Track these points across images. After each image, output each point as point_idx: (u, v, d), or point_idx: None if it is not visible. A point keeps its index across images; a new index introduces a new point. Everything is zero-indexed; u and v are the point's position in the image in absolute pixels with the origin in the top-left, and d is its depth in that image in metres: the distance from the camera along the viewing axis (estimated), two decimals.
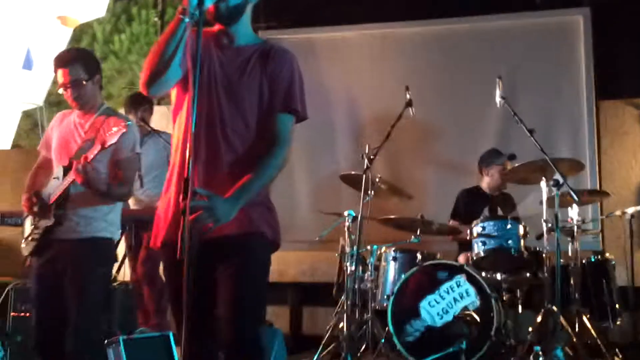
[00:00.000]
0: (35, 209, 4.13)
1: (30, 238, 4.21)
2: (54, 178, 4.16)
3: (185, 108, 2.92)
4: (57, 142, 4.26)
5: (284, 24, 8.11)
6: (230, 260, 2.85)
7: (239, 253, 2.85)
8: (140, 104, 6.28)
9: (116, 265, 6.21)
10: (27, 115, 9.41)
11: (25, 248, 4.27)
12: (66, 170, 4.06)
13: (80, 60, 4.19)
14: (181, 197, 2.58)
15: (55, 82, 4.35)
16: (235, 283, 2.83)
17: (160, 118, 7.31)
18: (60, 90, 4.17)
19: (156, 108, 7.75)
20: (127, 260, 6.27)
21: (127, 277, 6.11)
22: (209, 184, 2.79)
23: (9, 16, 8.07)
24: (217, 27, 3.02)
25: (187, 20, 2.72)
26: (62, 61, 4.16)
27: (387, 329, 5.33)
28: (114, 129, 3.86)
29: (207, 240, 2.71)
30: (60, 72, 4.15)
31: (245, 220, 2.85)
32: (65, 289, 4.04)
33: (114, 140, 3.84)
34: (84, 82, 4.14)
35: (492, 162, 6.43)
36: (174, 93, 3.02)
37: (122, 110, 6.33)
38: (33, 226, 4.21)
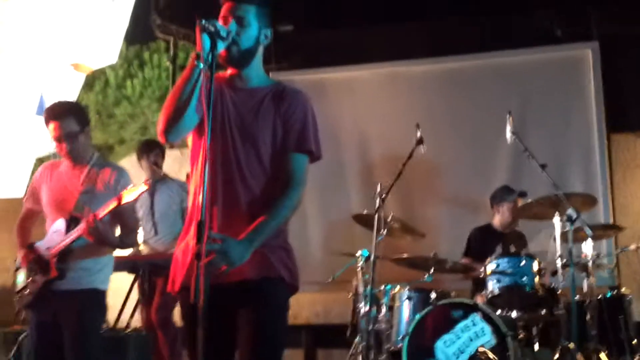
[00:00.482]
0: (34, 263, 4.13)
1: (27, 291, 4.19)
2: (54, 232, 4.15)
3: (202, 152, 2.94)
4: (50, 195, 4.26)
5: (295, 65, 8.18)
6: (249, 305, 2.85)
7: (258, 298, 2.85)
8: (152, 149, 6.32)
9: (129, 312, 6.20)
10: (41, 161, 9.46)
11: (21, 300, 4.25)
12: (69, 223, 4.08)
13: (72, 112, 4.22)
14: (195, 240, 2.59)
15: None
16: (254, 329, 2.83)
17: (172, 162, 7.36)
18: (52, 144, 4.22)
19: (168, 152, 7.80)
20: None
21: (139, 323, 6.08)
22: (228, 226, 2.81)
23: (23, 62, 8.17)
24: (229, 70, 3.05)
25: (201, 66, 2.75)
26: (54, 114, 4.18)
27: None
28: (131, 186, 3.91)
29: (227, 284, 2.72)
30: (52, 125, 4.16)
31: (264, 264, 2.86)
32: (64, 339, 4.06)
33: (131, 198, 3.86)
34: (77, 135, 4.18)
35: (503, 199, 6.41)
36: (190, 139, 3.04)
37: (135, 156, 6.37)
38: (30, 279, 4.18)
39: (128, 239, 4.28)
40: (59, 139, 4.16)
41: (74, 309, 4.07)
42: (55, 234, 4.14)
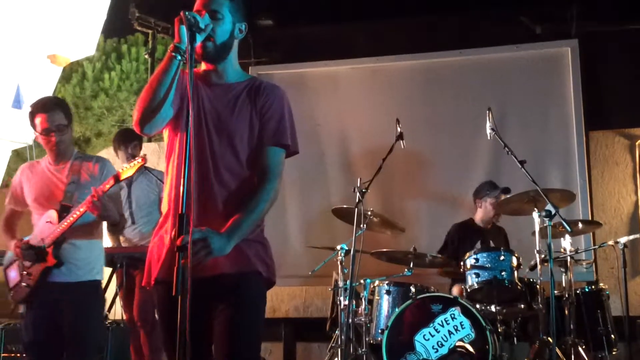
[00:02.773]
0: (30, 252, 4.17)
1: (23, 284, 4.22)
2: (45, 222, 4.20)
3: (178, 146, 2.91)
4: (36, 191, 4.33)
5: (275, 59, 8.16)
6: (226, 299, 2.83)
7: (235, 293, 2.83)
8: (130, 140, 6.26)
9: (107, 304, 6.15)
10: (17, 154, 9.37)
11: (16, 295, 4.28)
12: (60, 213, 4.15)
13: (60, 106, 4.33)
14: (174, 233, 2.57)
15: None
16: (231, 323, 2.81)
17: (151, 155, 7.31)
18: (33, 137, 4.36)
19: (146, 145, 7.74)
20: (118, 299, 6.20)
21: (118, 316, 6.04)
22: (203, 222, 2.76)
23: None
24: (204, 66, 3.03)
25: (179, 58, 2.73)
26: (43, 107, 4.27)
27: None
28: (126, 165, 4.01)
29: (203, 278, 2.67)
30: (40, 117, 4.24)
31: (240, 258, 2.84)
32: (65, 331, 4.11)
33: (129, 174, 4.00)
34: (65, 128, 4.29)
35: (486, 195, 6.44)
36: (165, 133, 3.02)
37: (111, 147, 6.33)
38: (24, 272, 4.21)
39: (121, 220, 4.39)
40: (47, 131, 4.23)
41: (76, 300, 4.15)
42: (47, 224, 4.19)
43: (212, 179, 2.88)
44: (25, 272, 4.21)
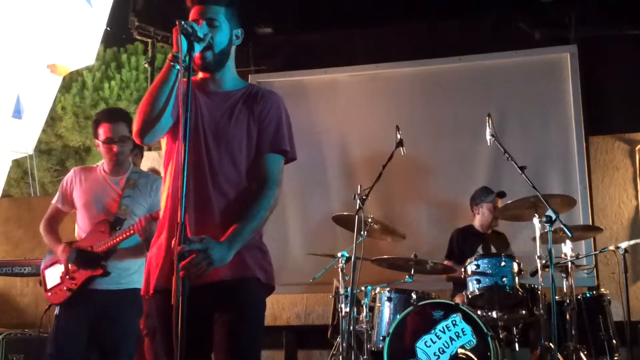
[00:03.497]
0: (79, 258, 4.24)
1: (65, 287, 4.29)
2: (97, 231, 4.29)
3: (175, 155, 2.91)
4: (88, 196, 4.40)
5: (274, 67, 8.17)
6: (225, 306, 2.83)
7: (234, 299, 2.83)
8: (131, 149, 6.27)
9: None
10: (18, 164, 9.40)
11: (54, 297, 4.36)
12: (113, 224, 4.28)
13: (125, 118, 4.43)
14: (174, 242, 2.57)
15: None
16: (231, 329, 2.81)
17: (151, 164, 7.32)
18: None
19: (147, 154, 7.74)
20: None
21: None
22: (201, 231, 2.77)
23: None
24: (201, 74, 3.03)
25: (177, 67, 2.73)
26: (109, 117, 4.40)
27: None
28: None
29: (202, 285, 2.68)
30: (105, 127, 4.34)
31: (239, 265, 2.83)
32: (107, 337, 4.25)
33: None
34: (127, 140, 4.39)
35: (482, 200, 6.44)
36: (164, 142, 3.02)
37: None
38: (67, 276, 4.29)
39: None
40: (109, 141, 4.33)
41: (120, 307, 4.25)
42: (99, 233, 4.28)
43: (209, 186, 2.87)
44: (68, 276, 4.28)
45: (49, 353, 4.23)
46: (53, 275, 4.39)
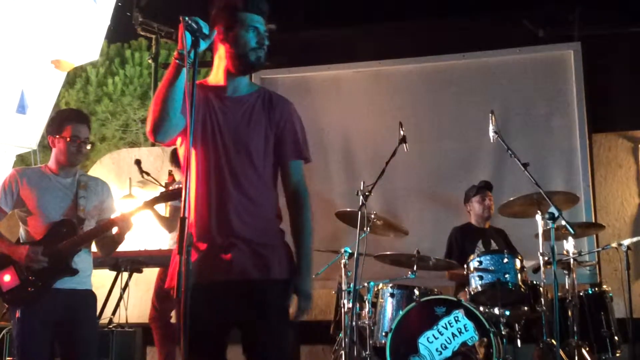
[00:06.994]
0: (43, 260, 4.17)
1: (29, 288, 4.19)
2: (63, 230, 4.25)
3: (193, 158, 2.93)
4: (39, 198, 4.32)
5: (279, 64, 8.17)
6: (256, 310, 2.88)
7: (265, 305, 2.90)
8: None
9: (112, 307, 6.18)
10: (22, 159, 9.39)
11: (14, 298, 4.23)
12: (75, 224, 4.27)
13: (89, 123, 4.58)
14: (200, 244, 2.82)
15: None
16: (266, 337, 2.89)
17: (154, 160, 7.33)
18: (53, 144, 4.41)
19: (150, 149, 7.76)
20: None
21: (122, 319, 6.06)
22: (222, 231, 2.88)
23: (3, 59, 8.09)
24: (215, 79, 3.08)
25: (183, 65, 2.72)
26: (86, 119, 4.52)
27: None
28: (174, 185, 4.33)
29: (227, 282, 2.79)
30: (84, 127, 4.43)
31: (266, 265, 2.91)
32: (75, 335, 4.24)
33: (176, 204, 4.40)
34: (89, 143, 4.51)
35: (469, 197, 6.53)
36: (179, 142, 3.05)
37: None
38: (31, 277, 4.19)
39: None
40: (85, 142, 4.40)
41: (86, 306, 4.34)
42: (61, 231, 4.25)
43: (230, 189, 2.92)
44: (31, 277, 4.18)
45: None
46: (8, 277, 4.24)
